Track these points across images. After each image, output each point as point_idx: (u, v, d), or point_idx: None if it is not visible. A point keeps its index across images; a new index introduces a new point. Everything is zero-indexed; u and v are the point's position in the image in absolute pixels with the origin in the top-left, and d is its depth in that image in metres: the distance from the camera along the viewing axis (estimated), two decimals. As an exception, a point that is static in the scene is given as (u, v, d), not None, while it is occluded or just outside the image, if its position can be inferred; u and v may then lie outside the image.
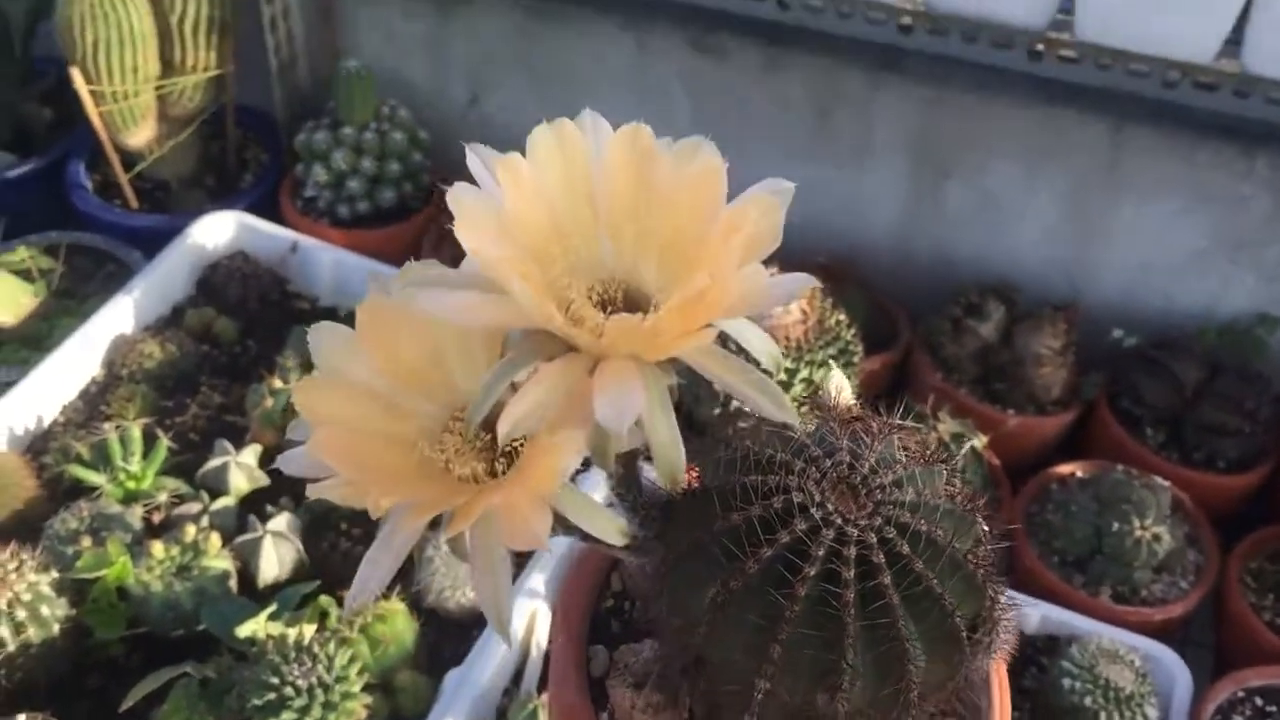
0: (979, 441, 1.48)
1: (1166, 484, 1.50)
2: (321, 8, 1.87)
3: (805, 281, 0.47)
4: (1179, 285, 1.64)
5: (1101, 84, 1.50)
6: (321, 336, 0.50)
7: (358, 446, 0.48)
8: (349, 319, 1.55)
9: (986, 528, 0.51)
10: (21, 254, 1.70)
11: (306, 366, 1.49)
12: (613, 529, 0.48)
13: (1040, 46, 1.50)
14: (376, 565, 0.48)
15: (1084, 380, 1.65)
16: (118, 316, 1.58)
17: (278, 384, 1.45)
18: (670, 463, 0.46)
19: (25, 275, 1.69)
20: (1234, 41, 1.44)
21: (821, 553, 0.45)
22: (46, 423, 1.48)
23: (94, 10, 1.63)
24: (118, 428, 1.38)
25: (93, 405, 1.51)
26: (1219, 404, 1.57)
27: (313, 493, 0.47)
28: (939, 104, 1.61)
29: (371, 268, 1.68)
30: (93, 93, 1.69)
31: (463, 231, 0.45)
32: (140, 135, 1.79)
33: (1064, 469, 1.56)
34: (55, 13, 1.69)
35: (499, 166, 0.46)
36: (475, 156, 0.48)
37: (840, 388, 0.54)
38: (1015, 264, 1.71)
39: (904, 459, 0.49)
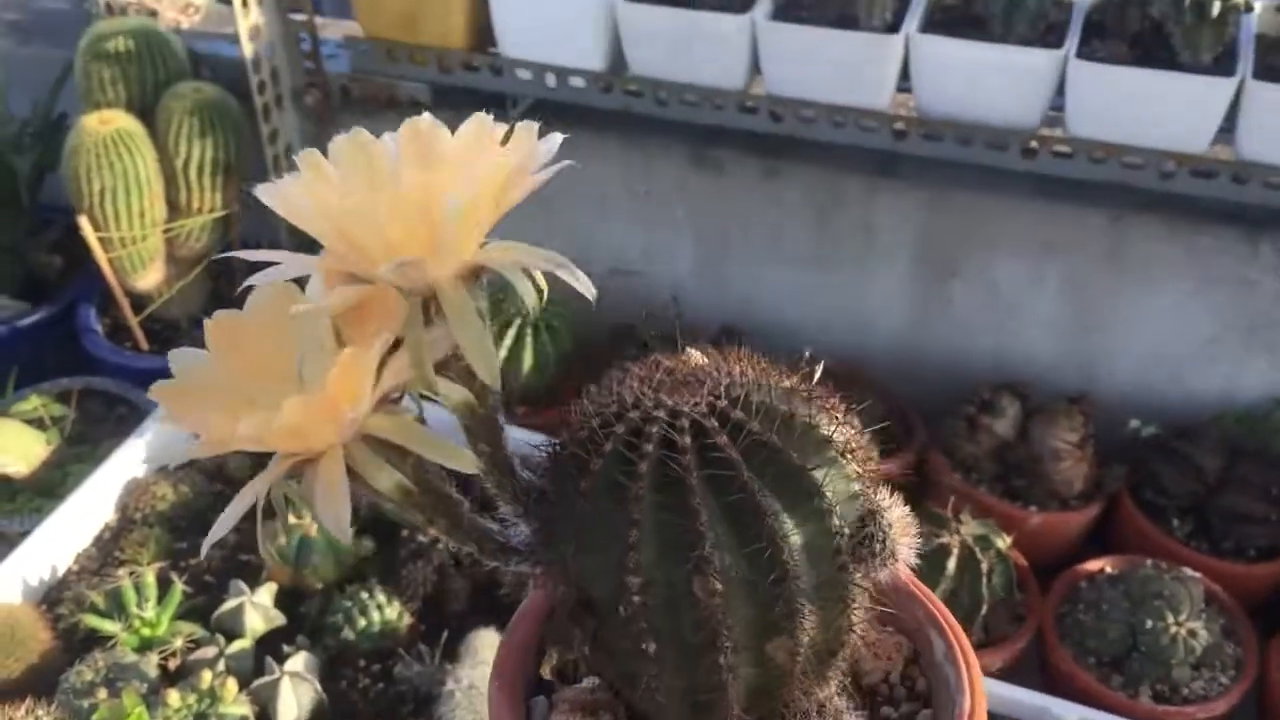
0: (1003, 542, 1.45)
1: (1198, 576, 1.47)
2: (323, 145, 1.90)
3: (555, 140, 0.49)
4: (1193, 371, 1.63)
5: (1097, 177, 1.51)
6: (178, 359, 0.51)
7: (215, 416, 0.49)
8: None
9: (835, 414, 0.50)
10: (34, 402, 1.70)
11: (320, 500, 1.48)
12: (461, 456, 0.48)
13: (1034, 144, 1.51)
14: (235, 508, 0.48)
15: (1105, 472, 1.62)
16: (130, 460, 1.58)
17: (291, 520, 1.44)
18: (484, 357, 0.47)
19: (38, 423, 1.69)
20: (1227, 129, 1.45)
21: (656, 429, 0.46)
22: (61, 572, 1.47)
23: (100, 160, 1.66)
24: (132, 574, 1.37)
25: (106, 551, 1.49)
26: (1243, 491, 1.54)
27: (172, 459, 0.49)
28: (938, 205, 1.62)
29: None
30: (101, 239, 1.71)
31: (272, 202, 0.48)
32: (149, 278, 1.81)
33: (1092, 565, 1.53)
34: (62, 163, 1.72)
35: (301, 160, 0.50)
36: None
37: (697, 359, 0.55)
38: (1027, 357, 1.70)
39: (738, 369, 0.50)
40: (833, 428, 0.49)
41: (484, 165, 0.48)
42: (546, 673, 0.54)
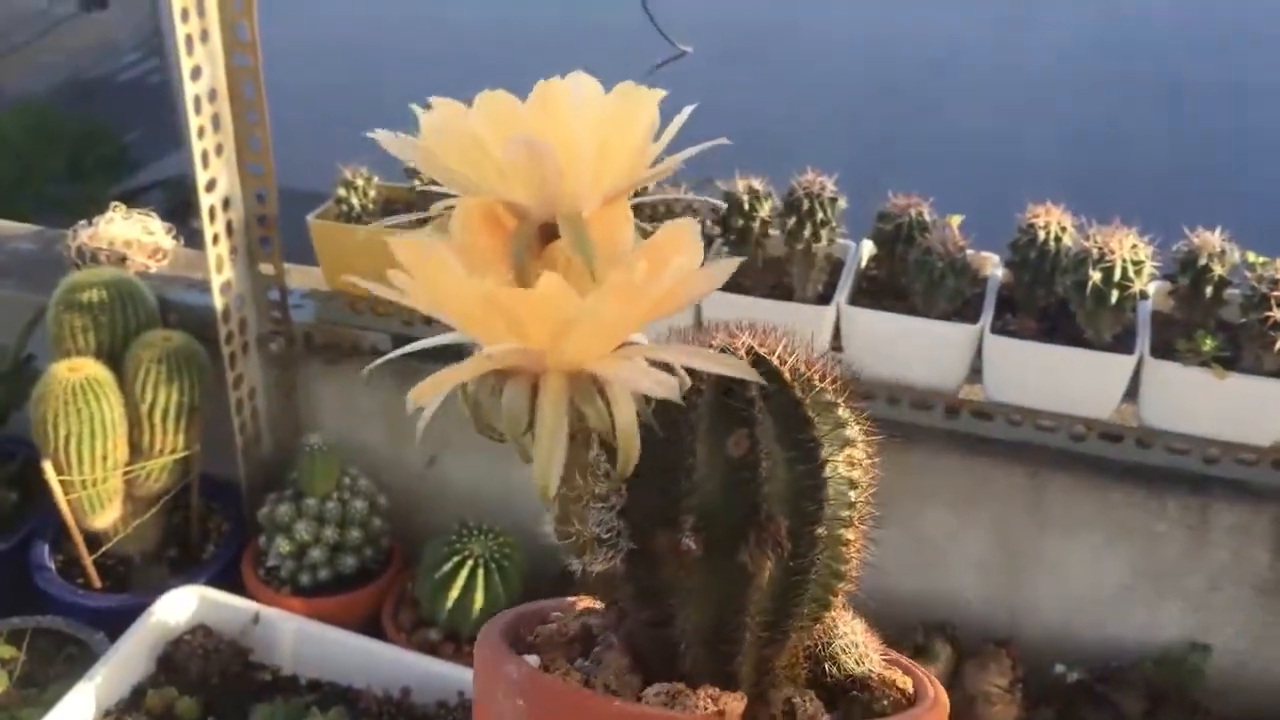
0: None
1: (1125, 822, 1.52)
2: (285, 387, 1.98)
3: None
4: (1112, 616, 1.72)
5: (1015, 437, 1.62)
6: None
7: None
8: (311, 688, 1.56)
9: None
10: (-16, 644, 1.71)
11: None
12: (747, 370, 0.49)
13: (956, 405, 1.63)
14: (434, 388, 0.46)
15: (1034, 716, 1.69)
16: (77, 706, 1.58)
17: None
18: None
19: (-13, 666, 1.70)
20: (1132, 395, 1.58)
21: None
22: (4, 826, 1.46)
23: (68, 407, 1.72)
24: (79, 831, 1.37)
25: (52, 803, 1.49)
26: (1165, 736, 1.61)
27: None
28: (869, 458, 1.72)
29: (331, 635, 1.72)
30: (62, 482, 1.76)
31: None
32: (106, 517, 1.84)
33: (1024, 810, 1.58)
34: (30, 407, 1.77)
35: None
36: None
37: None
38: (956, 603, 1.78)
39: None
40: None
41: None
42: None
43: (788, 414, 0.52)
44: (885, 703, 0.56)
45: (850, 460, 0.53)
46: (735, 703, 0.53)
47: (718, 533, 0.51)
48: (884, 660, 0.58)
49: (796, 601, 0.54)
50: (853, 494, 0.53)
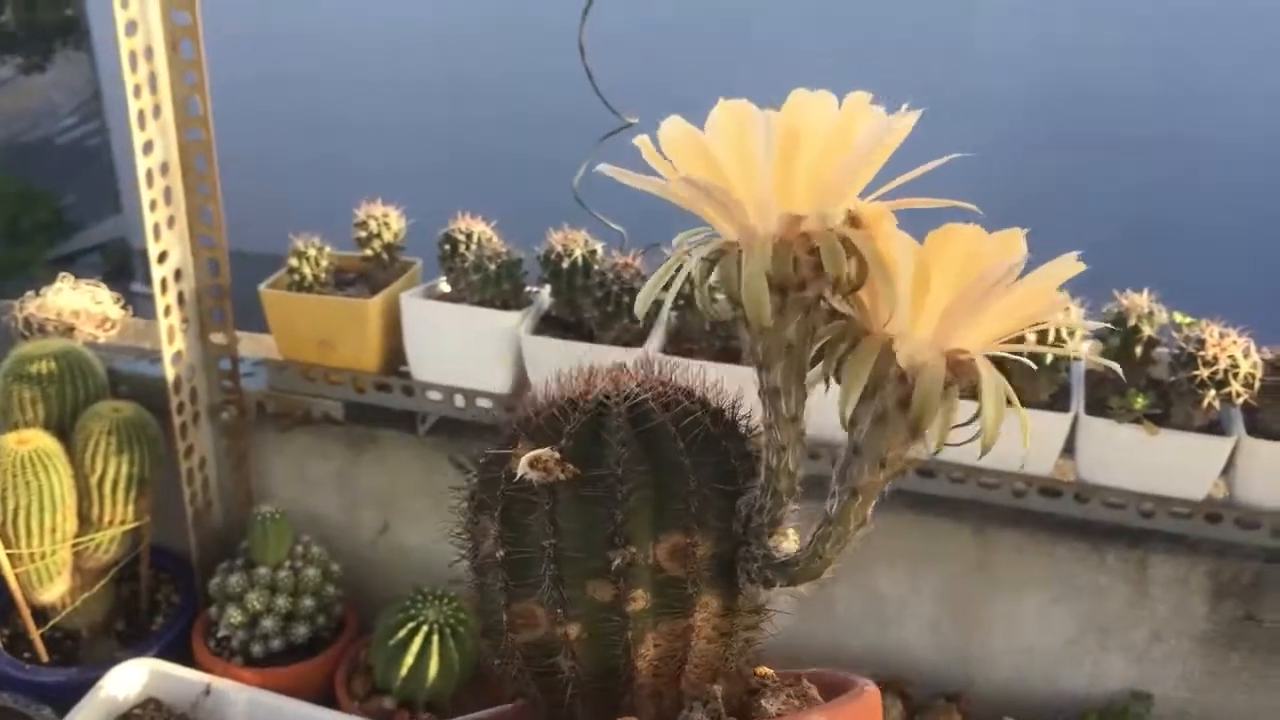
0: (893, 846, 1.52)
1: None
2: (236, 457, 1.98)
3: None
4: (1059, 669, 1.76)
5: (958, 495, 1.66)
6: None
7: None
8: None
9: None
10: (-71, 725, 1.68)
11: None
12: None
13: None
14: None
15: (984, 769, 1.72)
16: (28, 785, 1.56)
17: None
18: None
19: (-69, 746, 1.67)
20: (1070, 451, 1.62)
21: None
22: None
23: (16, 480, 1.71)
24: None
25: None
26: (1112, 786, 1.65)
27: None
28: (814, 518, 1.75)
29: (285, 706, 1.71)
30: (10, 555, 1.74)
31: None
32: (54, 591, 1.83)
33: None
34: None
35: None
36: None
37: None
38: (907, 657, 1.81)
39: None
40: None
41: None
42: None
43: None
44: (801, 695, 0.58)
45: None
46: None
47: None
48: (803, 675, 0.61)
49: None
50: None
